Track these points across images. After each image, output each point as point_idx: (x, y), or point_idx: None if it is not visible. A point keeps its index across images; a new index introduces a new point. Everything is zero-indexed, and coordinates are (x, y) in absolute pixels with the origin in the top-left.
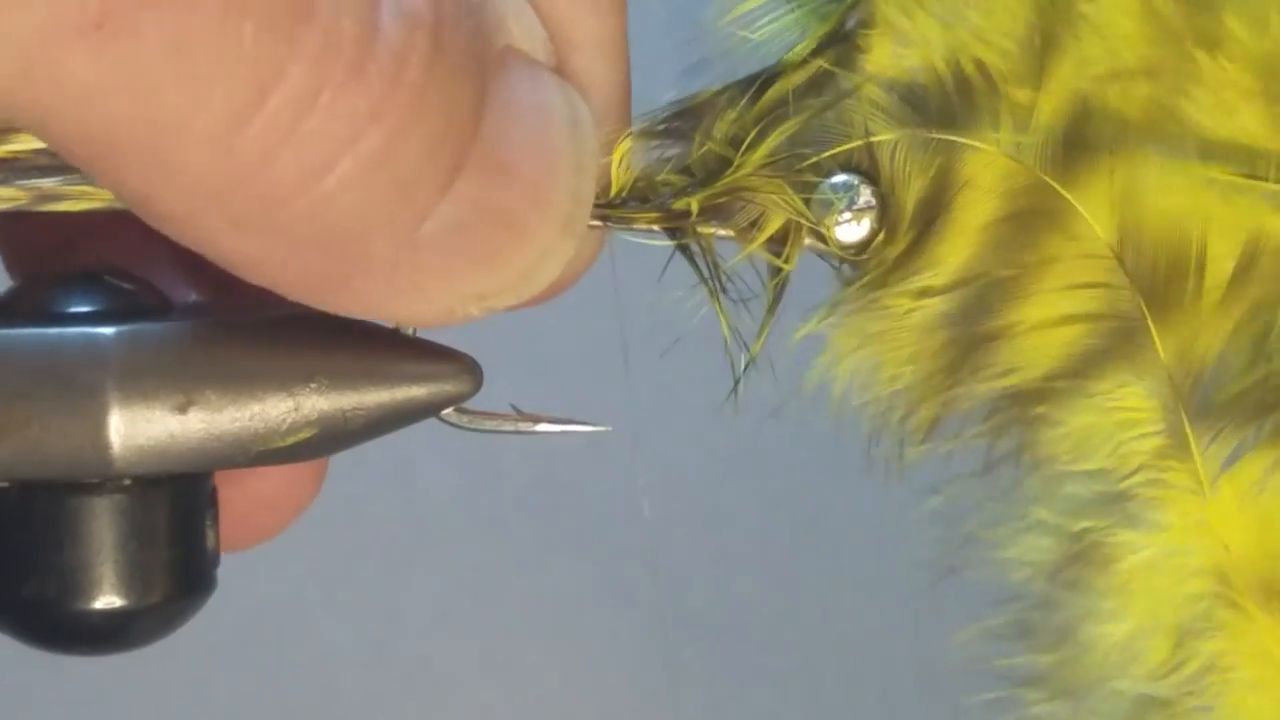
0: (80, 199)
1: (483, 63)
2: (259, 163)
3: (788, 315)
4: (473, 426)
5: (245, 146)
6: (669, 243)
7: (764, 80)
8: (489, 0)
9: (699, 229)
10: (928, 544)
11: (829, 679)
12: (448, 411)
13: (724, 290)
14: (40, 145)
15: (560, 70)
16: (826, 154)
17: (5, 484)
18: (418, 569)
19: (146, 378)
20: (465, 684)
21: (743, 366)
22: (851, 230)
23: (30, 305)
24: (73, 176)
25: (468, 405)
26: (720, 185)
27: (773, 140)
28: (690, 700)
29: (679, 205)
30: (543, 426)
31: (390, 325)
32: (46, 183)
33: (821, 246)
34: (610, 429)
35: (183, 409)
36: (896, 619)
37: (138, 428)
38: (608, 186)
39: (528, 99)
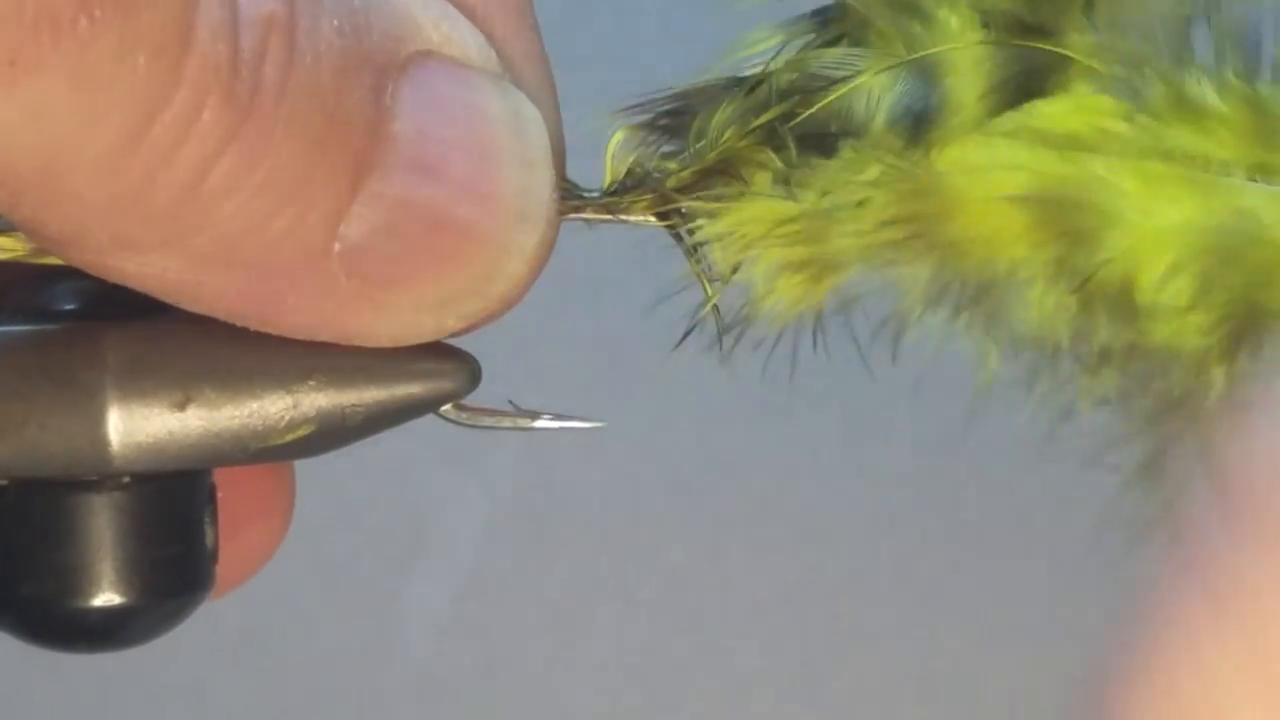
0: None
1: (378, 63)
2: (143, 182)
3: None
4: (471, 423)
5: (131, 168)
6: (659, 225)
7: (756, 77)
8: (380, 3)
9: (690, 207)
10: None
11: (829, 678)
12: (446, 408)
13: (710, 269)
14: None
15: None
16: (815, 107)
17: (4, 482)
18: (417, 569)
19: (145, 375)
20: (465, 684)
21: (707, 308)
22: None
23: (28, 303)
24: None
25: (465, 401)
26: (711, 156)
27: (761, 120)
28: (691, 700)
29: (672, 182)
30: (540, 422)
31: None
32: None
33: None
34: (606, 424)
35: (181, 406)
36: (897, 619)
37: (136, 425)
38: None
39: (454, 99)
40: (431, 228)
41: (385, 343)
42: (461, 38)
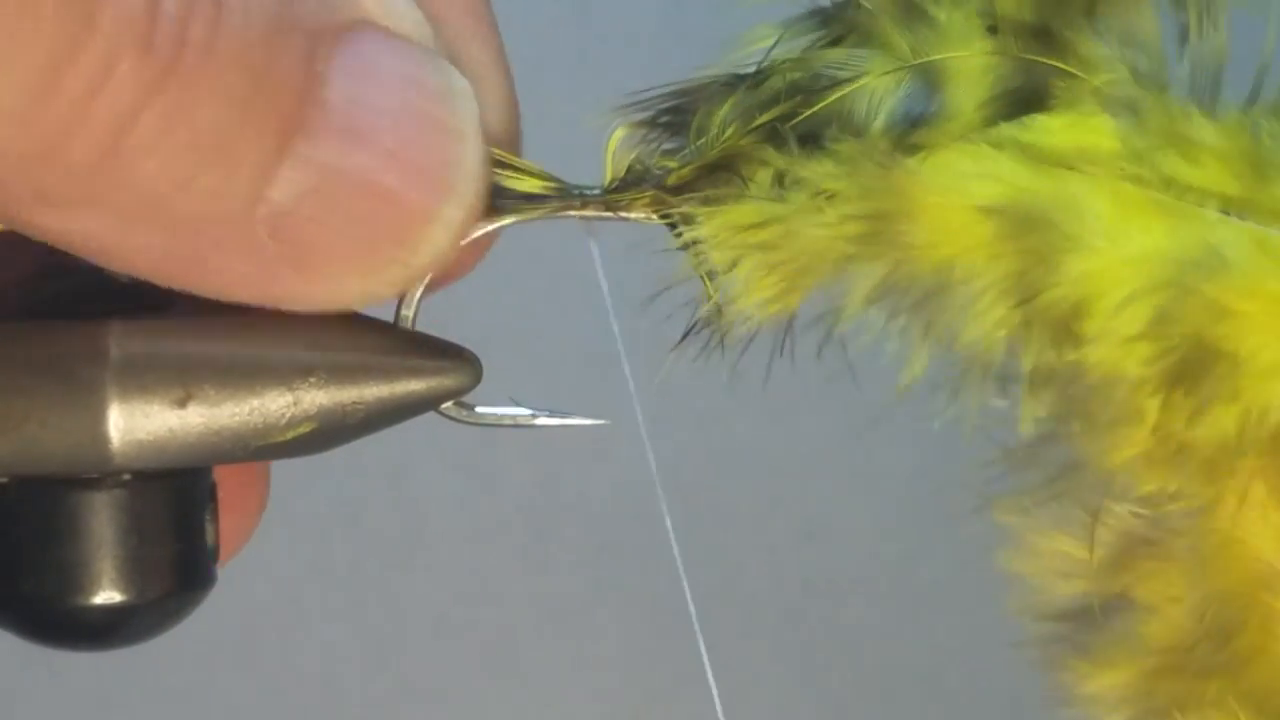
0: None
1: (310, 28)
2: (60, 135)
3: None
4: (472, 420)
5: (45, 120)
6: (660, 223)
7: (759, 74)
8: None
9: (689, 207)
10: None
11: (831, 677)
12: (447, 405)
13: (711, 266)
14: None
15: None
16: (820, 104)
17: (4, 480)
18: (417, 569)
19: (145, 372)
20: (465, 684)
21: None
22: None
23: (28, 299)
24: None
25: (467, 399)
26: (712, 154)
27: (764, 118)
28: (690, 699)
29: (673, 180)
30: (542, 420)
31: (353, 311)
32: None
33: None
34: (609, 423)
35: (182, 404)
36: (897, 618)
37: (137, 422)
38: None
39: (387, 67)
40: (358, 194)
41: (310, 308)
42: (398, 10)
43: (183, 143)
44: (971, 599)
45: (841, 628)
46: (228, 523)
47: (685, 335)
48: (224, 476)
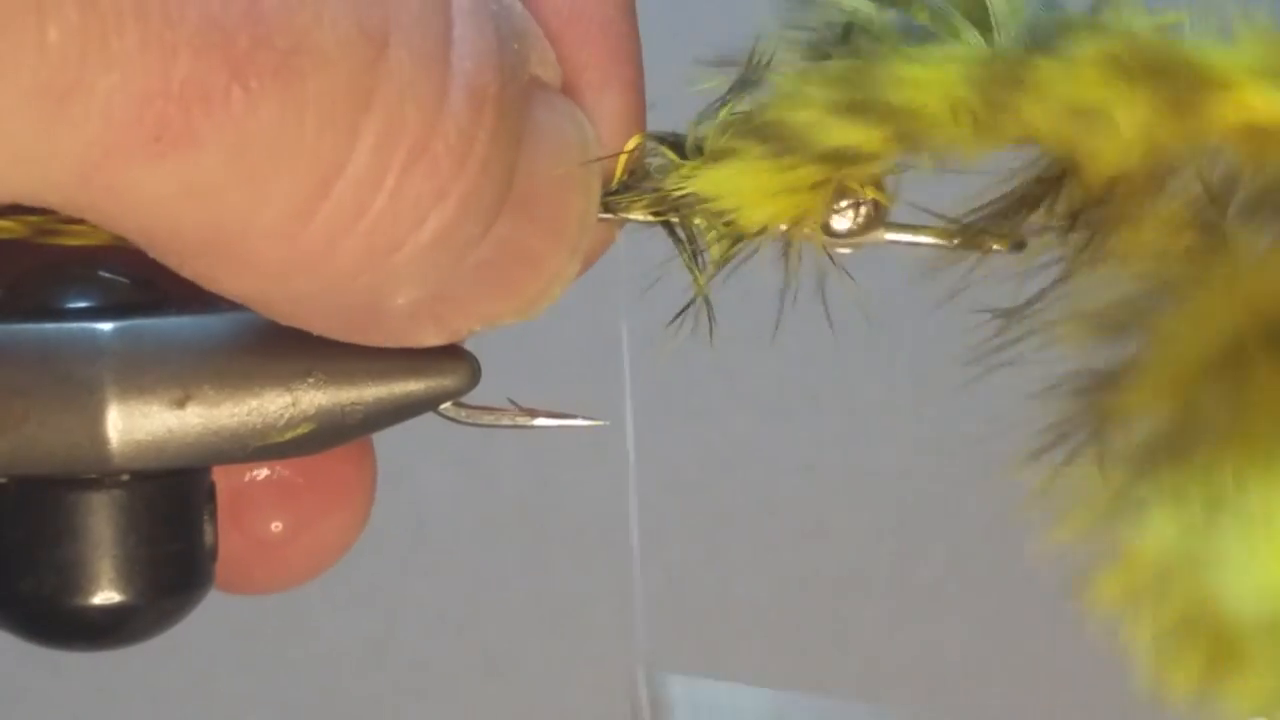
0: (81, 235)
1: (523, 109)
2: (324, 250)
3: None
4: (470, 421)
5: (310, 236)
6: (656, 220)
7: (752, 66)
8: (524, 40)
9: (691, 206)
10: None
11: (828, 678)
12: (446, 406)
13: (701, 258)
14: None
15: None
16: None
17: (3, 480)
18: (417, 569)
19: (144, 373)
20: (465, 684)
21: (696, 303)
22: (845, 220)
23: (27, 300)
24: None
25: (465, 400)
26: (711, 154)
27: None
28: None
29: (673, 179)
30: (540, 421)
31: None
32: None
33: (813, 235)
34: (608, 423)
35: (180, 404)
36: (896, 618)
37: (135, 423)
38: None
39: (553, 131)
40: (514, 260)
41: (414, 346)
42: (545, 56)
43: (443, 249)
44: (971, 598)
45: (841, 627)
46: (330, 525)
47: (681, 312)
48: (329, 479)
